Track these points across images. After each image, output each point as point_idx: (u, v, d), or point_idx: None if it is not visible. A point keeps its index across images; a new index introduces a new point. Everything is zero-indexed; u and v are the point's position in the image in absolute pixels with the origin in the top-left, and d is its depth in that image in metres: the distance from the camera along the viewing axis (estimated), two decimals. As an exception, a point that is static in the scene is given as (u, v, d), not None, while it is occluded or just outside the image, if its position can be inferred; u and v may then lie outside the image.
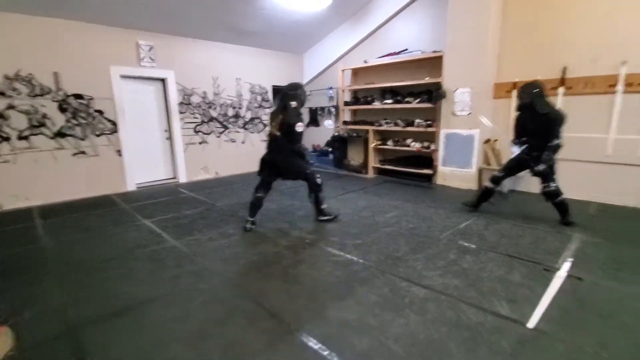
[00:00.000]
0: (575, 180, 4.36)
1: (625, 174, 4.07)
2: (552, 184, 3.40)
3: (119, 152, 5.44)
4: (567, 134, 4.37)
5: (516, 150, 3.66)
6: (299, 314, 2.03)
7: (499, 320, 1.93)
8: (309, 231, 3.46)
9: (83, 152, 5.10)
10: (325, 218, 3.66)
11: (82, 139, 5.08)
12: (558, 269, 2.52)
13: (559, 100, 4.40)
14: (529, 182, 4.77)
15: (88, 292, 2.37)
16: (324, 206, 3.64)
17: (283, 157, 3.45)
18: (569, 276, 2.41)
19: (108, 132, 5.31)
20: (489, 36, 4.69)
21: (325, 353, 1.70)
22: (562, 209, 3.47)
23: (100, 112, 5.21)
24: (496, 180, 3.76)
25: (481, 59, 4.78)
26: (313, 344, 1.77)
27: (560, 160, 4.44)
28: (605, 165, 4.20)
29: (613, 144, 4.11)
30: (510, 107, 4.85)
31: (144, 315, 2.07)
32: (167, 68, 5.84)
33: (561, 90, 4.37)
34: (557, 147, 3.30)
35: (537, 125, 3.37)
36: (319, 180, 3.51)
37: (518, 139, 3.65)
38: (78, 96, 4.99)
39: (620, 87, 3.97)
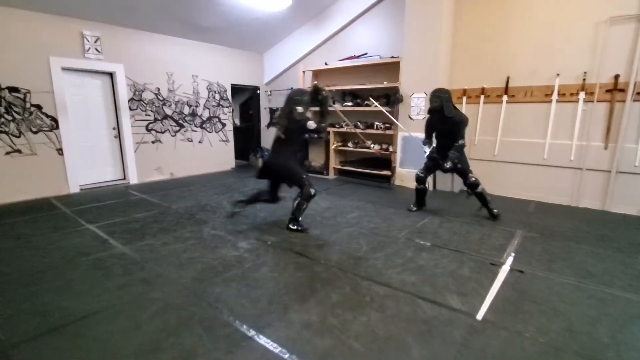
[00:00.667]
0: (517, 181, 4.76)
1: (559, 175, 4.51)
2: (472, 177, 3.77)
3: (59, 151, 4.97)
4: (512, 138, 4.79)
5: (427, 150, 4.07)
6: (260, 318, 1.99)
7: (451, 313, 2.05)
8: (271, 233, 3.41)
9: (18, 151, 4.60)
10: (294, 228, 3.47)
11: (17, 136, 4.58)
12: (503, 263, 2.72)
13: (503, 108, 4.77)
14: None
15: (19, 308, 2.12)
16: (300, 217, 3.49)
17: (282, 161, 3.43)
18: (512, 270, 2.62)
19: (47, 129, 4.84)
20: (441, 45, 4.97)
21: (286, 356, 1.68)
22: (483, 200, 3.83)
23: (38, 107, 4.72)
24: (420, 180, 4.11)
25: (434, 67, 5.04)
26: (273, 347, 1.74)
27: (505, 163, 4.86)
28: (542, 167, 4.63)
29: (549, 148, 4.54)
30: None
31: (86, 330, 1.90)
32: (116, 61, 5.45)
33: (505, 98, 4.74)
34: (461, 146, 3.74)
35: (445, 126, 3.80)
36: (312, 191, 3.33)
37: (428, 139, 4.09)
38: (13, 89, 4.49)
39: (554, 96, 4.40)
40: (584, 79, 4.20)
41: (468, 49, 5.06)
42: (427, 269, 2.64)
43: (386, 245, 3.10)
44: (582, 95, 4.22)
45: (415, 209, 4.21)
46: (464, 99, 5.11)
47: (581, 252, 2.98)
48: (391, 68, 5.63)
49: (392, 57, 5.59)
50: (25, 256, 2.88)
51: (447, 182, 5.28)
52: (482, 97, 4.95)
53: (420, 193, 4.18)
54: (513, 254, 2.90)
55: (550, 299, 2.21)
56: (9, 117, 4.50)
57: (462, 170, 3.83)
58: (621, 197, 4.14)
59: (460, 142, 3.71)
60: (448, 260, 2.79)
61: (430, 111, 3.91)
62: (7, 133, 4.49)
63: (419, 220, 3.83)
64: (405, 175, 5.60)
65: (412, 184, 5.47)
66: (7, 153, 4.52)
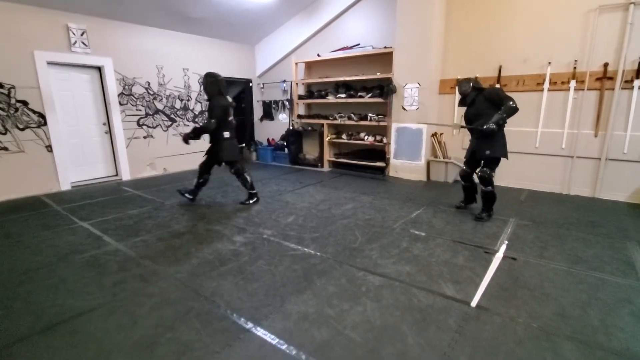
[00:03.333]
0: (509, 170, 4.81)
1: (550, 163, 4.57)
2: (489, 172, 3.40)
3: (49, 148, 4.88)
4: (505, 127, 4.80)
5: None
6: (257, 311, 2.00)
7: (446, 301, 2.08)
8: (266, 226, 3.41)
9: (4, 149, 4.50)
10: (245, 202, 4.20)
11: (3, 133, 4.48)
12: (496, 251, 2.76)
13: (496, 97, 4.79)
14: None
15: (11, 307, 2.09)
16: (248, 200, 4.21)
17: (215, 144, 4.08)
18: (505, 257, 2.66)
19: (35, 126, 4.74)
20: (433, 35, 4.95)
21: (284, 347, 1.69)
22: (489, 200, 3.50)
23: (24, 102, 4.61)
24: (464, 177, 3.75)
25: (427, 57, 5.03)
26: (271, 339, 1.75)
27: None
28: (534, 156, 4.68)
29: (540, 136, 4.59)
30: (454, 102, 5.18)
31: (82, 327, 1.88)
32: (104, 55, 5.33)
33: (497, 87, 4.76)
34: (511, 109, 3.24)
35: (480, 106, 3.45)
36: (238, 167, 4.06)
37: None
38: (-5, 84, 4.38)
39: (546, 85, 4.43)
40: (575, 68, 4.23)
41: (460, 39, 5.05)
42: (422, 258, 2.67)
43: (381, 236, 3.12)
44: (572, 83, 4.26)
45: (463, 205, 3.91)
46: (457, 88, 5.11)
47: (572, 238, 3.03)
48: (384, 59, 5.60)
49: (385, 47, 5.56)
50: (16, 255, 2.84)
51: (440, 172, 5.32)
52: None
53: (466, 190, 3.85)
54: (506, 242, 2.94)
55: (542, 285, 2.26)
56: (-5, 114, 4.39)
57: (490, 159, 3.42)
58: (611, 184, 4.21)
59: (510, 103, 3.20)
60: (442, 249, 2.83)
61: (462, 100, 3.63)
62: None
63: (413, 210, 3.86)
64: (400, 166, 5.62)
65: (406, 175, 5.53)
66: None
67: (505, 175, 4.87)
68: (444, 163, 5.24)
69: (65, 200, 4.48)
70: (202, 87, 3.95)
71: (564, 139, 4.42)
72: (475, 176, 3.67)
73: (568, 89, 4.31)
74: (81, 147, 5.37)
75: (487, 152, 3.39)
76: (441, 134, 5.33)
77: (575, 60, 4.22)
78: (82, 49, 5.08)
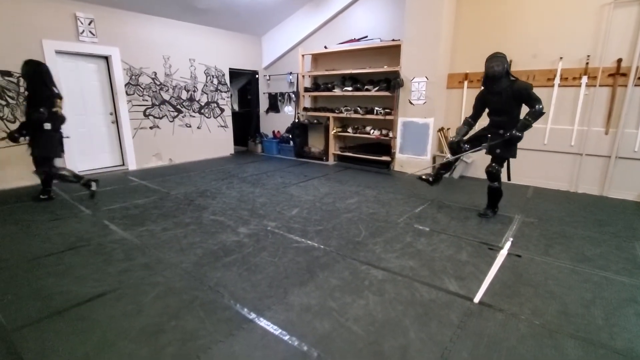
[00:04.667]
0: (516, 166, 4.72)
1: (559, 161, 4.51)
2: (497, 167, 3.33)
3: (57, 137, 4.92)
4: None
5: (455, 137, 3.60)
6: (260, 302, 2.02)
7: (448, 296, 2.08)
8: (270, 218, 3.43)
9: (13, 137, 4.55)
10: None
11: (12, 122, 4.52)
12: (501, 248, 2.75)
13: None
14: (476, 169, 5.12)
15: (20, 293, 2.14)
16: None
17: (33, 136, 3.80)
18: (509, 254, 2.65)
19: (43, 114, 4.77)
20: (443, 28, 4.87)
21: (286, 338, 1.71)
22: (495, 197, 3.45)
23: (32, 91, 4.65)
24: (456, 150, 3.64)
25: (436, 50, 4.96)
26: (273, 329, 1.77)
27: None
28: (542, 153, 4.62)
29: (549, 133, 4.52)
30: (462, 96, 5.12)
31: (88, 313, 1.92)
32: (111, 44, 5.34)
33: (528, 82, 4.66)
34: (540, 112, 3.05)
35: (504, 98, 3.20)
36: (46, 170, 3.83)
37: (472, 119, 3.58)
38: (6, 73, 4.42)
39: (557, 80, 4.35)
40: (587, 63, 4.14)
41: (470, 32, 4.96)
42: (426, 253, 2.66)
43: (385, 231, 3.12)
44: (584, 79, 4.18)
45: (430, 179, 3.80)
46: (466, 83, 5.05)
47: (578, 236, 3.00)
48: (392, 52, 5.54)
49: (393, 40, 5.49)
50: (25, 242, 2.89)
51: (446, 167, 5.28)
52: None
53: (446, 165, 3.70)
54: (511, 239, 2.93)
55: (546, 283, 2.24)
56: (3, 102, 4.44)
57: (500, 157, 3.30)
58: (620, 183, 4.15)
59: (540, 107, 2.98)
60: (446, 245, 2.82)
61: (486, 80, 3.24)
62: (1, 118, 4.43)
63: (417, 205, 3.85)
64: (405, 160, 5.59)
65: (412, 170, 5.49)
66: (2, 139, 4.47)
67: (513, 172, 4.80)
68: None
69: (72, 189, 4.53)
70: (22, 75, 3.75)
71: (574, 136, 4.35)
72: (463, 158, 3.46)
73: (579, 85, 4.22)
74: (88, 137, 5.42)
75: (498, 151, 3.28)
76: (448, 128, 5.28)
77: (588, 56, 4.12)
78: (90, 38, 5.09)
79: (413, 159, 5.48)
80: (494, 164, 3.35)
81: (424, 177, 3.91)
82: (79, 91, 5.22)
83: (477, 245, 2.82)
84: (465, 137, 3.57)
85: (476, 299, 2.05)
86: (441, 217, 3.47)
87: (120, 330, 1.78)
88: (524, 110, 3.15)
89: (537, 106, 2.99)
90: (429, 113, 5.18)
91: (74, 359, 1.58)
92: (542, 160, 4.63)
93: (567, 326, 1.81)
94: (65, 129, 4.95)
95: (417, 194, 4.27)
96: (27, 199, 4.06)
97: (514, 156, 3.32)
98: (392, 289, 2.16)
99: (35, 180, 4.75)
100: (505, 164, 3.40)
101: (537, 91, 4.57)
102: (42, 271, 2.39)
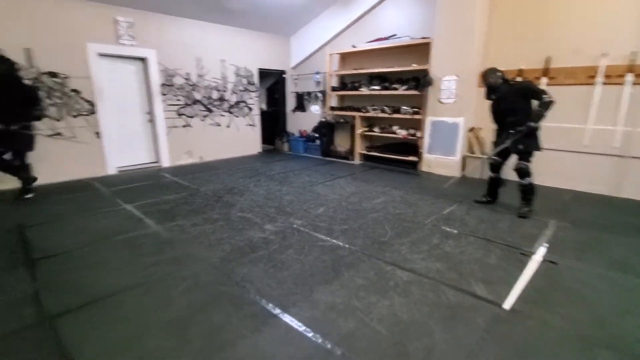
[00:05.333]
0: (553, 169, 4.52)
1: (599, 163, 4.24)
2: (524, 164, 3.39)
3: (97, 135, 5.24)
4: (548, 123, 4.53)
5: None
6: (285, 298, 2.06)
7: (476, 300, 2.03)
8: (297, 216, 3.47)
9: (59, 134, 4.90)
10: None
11: (58, 120, 4.87)
12: (533, 253, 2.64)
13: (541, 90, 4.50)
14: (507, 171, 4.91)
15: (60, 281, 2.29)
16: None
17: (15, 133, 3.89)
18: (543, 260, 2.53)
19: (86, 113, 5.10)
20: (476, 24, 4.71)
21: (310, 335, 1.74)
22: (528, 193, 3.45)
23: (76, 91, 4.97)
24: (494, 167, 3.76)
25: (468, 47, 4.81)
26: (298, 326, 1.80)
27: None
28: (581, 154, 4.36)
29: (590, 134, 4.26)
30: (494, 96, 4.93)
31: (122, 304, 2.03)
32: (148, 47, 5.61)
33: (544, 80, 4.46)
34: (548, 103, 3.21)
35: (510, 100, 3.42)
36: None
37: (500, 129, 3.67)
38: (53, 74, 4.75)
39: (599, 78, 4.09)
40: (633, 60, 3.86)
41: (505, 28, 4.77)
42: (453, 256, 2.60)
43: (412, 232, 3.08)
44: (629, 77, 3.90)
45: (485, 200, 3.87)
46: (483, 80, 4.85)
47: (617, 243, 2.82)
48: (421, 50, 5.43)
49: (423, 37, 5.38)
50: (68, 233, 3.10)
51: (476, 168, 5.11)
52: (519, 79, 4.68)
53: (492, 183, 3.80)
54: (545, 244, 2.80)
55: (581, 291, 2.13)
56: (50, 102, 4.77)
57: (525, 152, 3.38)
58: (670, 188, 3.85)
59: (546, 97, 3.15)
60: (475, 248, 2.74)
61: (489, 92, 3.56)
62: (48, 117, 4.77)
63: (445, 207, 3.76)
64: (433, 161, 5.47)
65: (439, 170, 5.37)
66: (49, 136, 4.82)
67: (547, 174, 4.58)
68: (481, 159, 5.02)
69: (111, 184, 4.82)
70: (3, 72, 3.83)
71: (617, 137, 4.08)
72: (505, 169, 3.68)
73: (624, 83, 3.95)
74: (126, 135, 5.71)
75: (521, 146, 3.38)
76: (480, 128, 5.11)
77: (635, 52, 3.85)
78: (129, 41, 5.37)
79: (441, 160, 5.35)
80: (520, 161, 3.41)
81: (481, 199, 3.94)
82: (118, 92, 5.52)
83: (508, 249, 2.72)
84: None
85: (505, 305, 1.98)
86: (470, 220, 3.37)
87: (150, 321, 1.87)
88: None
89: (543, 96, 3.19)
90: (459, 112, 5.03)
91: (108, 347, 1.68)
92: (581, 162, 4.38)
93: (602, 336, 1.72)
94: (107, 127, 5.29)
95: (445, 195, 4.17)
96: (68, 193, 4.35)
97: (538, 149, 3.38)
98: (418, 291, 2.13)
99: (76, 175, 5.09)
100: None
101: (576, 89, 4.35)
102: (81, 262, 2.55)
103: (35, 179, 4.23)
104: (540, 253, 2.64)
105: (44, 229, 3.17)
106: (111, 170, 5.45)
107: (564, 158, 4.45)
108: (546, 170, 4.58)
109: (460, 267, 2.43)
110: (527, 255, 2.61)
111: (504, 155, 3.61)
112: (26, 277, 2.33)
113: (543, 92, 3.22)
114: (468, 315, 1.88)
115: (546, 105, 3.18)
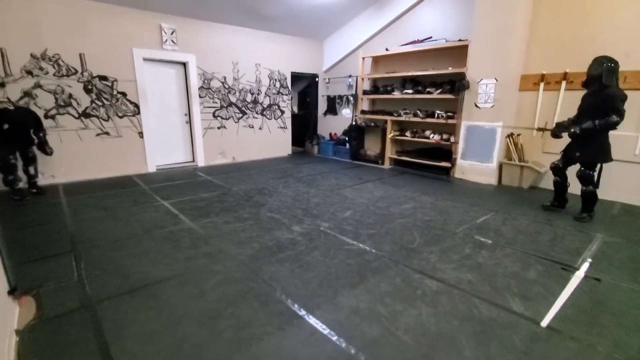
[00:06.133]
0: (601, 179, 4.18)
1: (656, 174, 3.88)
2: (589, 172, 3.37)
3: (140, 134, 5.57)
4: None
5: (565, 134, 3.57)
6: (310, 300, 2.07)
7: (512, 316, 1.91)
8: (324, 219, 3.48)
9: (107, 133, 5.26)
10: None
11: (106, 120, 5.22)
12: (577, 269, 2.45)
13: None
14: (548, 179, 4.62)
15: (105, 269, 2.45)
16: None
17: None
18: (587, 276, 2.35)
19: (131, 114, 5.44)
20: (518, 25, 4.49)
21: (334, 338, 1.73)
22: (590, 201, 3.42)
23: (123, 94, 5.32)
24: (555, 170, 3.70)
25: (508, 49, 4.60)
26: (322, 328, 1.80)
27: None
28: (632, 164, 4.02)
29: (645, 142, 3.92)
30: (537, 100, 4.67)
31: (159, 293, 2.14)
32: (189, 52, 5.88)
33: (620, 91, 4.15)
34: (611, 123, 3.11)
35: (594, 101, 3.27)
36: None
37: (576, 120, 3.51)
38: (102, 78, 5.11)
39: (657, 82, 3.75)
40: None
41: (549, 28, 4.51)
42: (487, 267, 2.48)
43: (442, 240, 2.97)
44: (695, 80, 3.54)
45: (550, 205, 3.80)
46: (542, 85, 4.60)
47: (679, 264, 2.56)
48: (457, 52, 5.27)
49: (460, 40, 5.21)
50: (111, 225, 3.31)
51: (515, 176, 4.86)
52: (563, 83, 4.41)
53: (557, 187, 3.73)
54: (590, 260, 2.60)
55: (632, 312, 1.95)
56: (99, 103, 5.14)
57: (584, 162, 3.34)
58: None
59: (614, 118, 3.00)
60: (511, 260, 2.60)
61: (586, 82, 3.33)
62: (97, 117, 5.14)
63: (479, 215, 3.60)
64: (467, 167, 5.27)
65: (474, 177, 5.16)
66: (98, 135, 5.19)
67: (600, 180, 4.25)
68: (519, 167, 4.77)
69: (151, 181, 5.09)
70: None
71: (678, 147, 3.71)
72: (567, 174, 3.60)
73: (688, 87, 3.59)
74: (166, 135, 6.02)
75: (577, 154, 3.30)
76: (518, 134, 4.86)
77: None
78: (172, 47, 5.66)
79: (477, 166, 5.15)
80: (582, 168, 3.40)
81: (548, 204, 3.84)
82: (160, 94, 5.83)
83: (548, 263, 2.55)
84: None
85: (544, 323, 1.85)
86: (506, 230, 3.21)
87: (185, 311, 1.95)
88: None
89: (612, 117, 3.02)
90: (497, 117, 4.82)
91: (145, 333, 1.77)
92: (632, 173, 4.03)
93: (659, 367, 1.56)
94: (149, 127, 5.61)
95: (480, 204, 4.00)
96: (115, 188, 4.64)
97: (604, 160, 3.28)
98: (447, 302, 2.05)
99: (120, 172, 5.42)
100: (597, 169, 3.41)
101: (629, 94, 4.02)
102: (124, 252, 2.72)
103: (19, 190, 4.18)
104: (583, 269, 2.46)
105: (91, 221, 3.40)
106: (151, 168, 5.76)
107: (612, 167, 4.11)
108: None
109: (494, 279, 2.32)
110: (569, 271, 2.43)
111: (566, 161, 3.57)
112: (74, 264, 2.51)
113: (616, 111, 3.03)
114: (503, 333, 1.78)
115: (604, 124, 3.07)
